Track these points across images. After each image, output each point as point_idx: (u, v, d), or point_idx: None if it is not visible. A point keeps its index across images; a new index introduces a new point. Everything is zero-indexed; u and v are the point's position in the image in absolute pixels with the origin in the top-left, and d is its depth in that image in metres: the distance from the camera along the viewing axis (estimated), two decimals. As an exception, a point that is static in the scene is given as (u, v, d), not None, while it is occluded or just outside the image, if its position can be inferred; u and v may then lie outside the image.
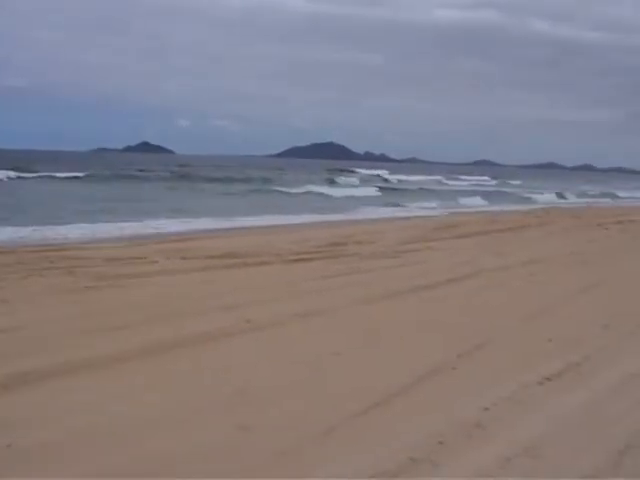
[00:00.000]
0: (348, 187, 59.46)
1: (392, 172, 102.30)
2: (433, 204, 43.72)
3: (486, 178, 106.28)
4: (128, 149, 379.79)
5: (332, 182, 71.16)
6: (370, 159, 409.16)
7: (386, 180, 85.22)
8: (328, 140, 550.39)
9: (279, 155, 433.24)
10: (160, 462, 5.56)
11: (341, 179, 77.53)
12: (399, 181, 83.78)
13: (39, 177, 57.31)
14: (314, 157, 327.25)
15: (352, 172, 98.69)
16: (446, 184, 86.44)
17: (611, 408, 7.18)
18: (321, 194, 49.96)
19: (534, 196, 61.96)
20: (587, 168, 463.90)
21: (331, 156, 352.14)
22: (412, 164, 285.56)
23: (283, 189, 54.02)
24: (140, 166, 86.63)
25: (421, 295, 12.32)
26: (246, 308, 10.74)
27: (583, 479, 5.60)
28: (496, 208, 42.02)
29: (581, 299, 12.60)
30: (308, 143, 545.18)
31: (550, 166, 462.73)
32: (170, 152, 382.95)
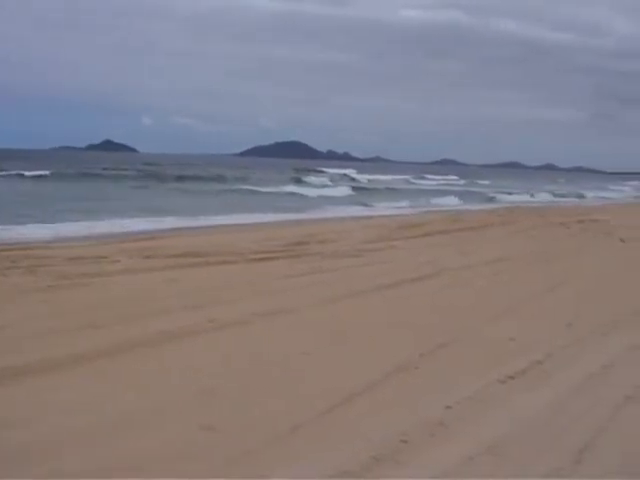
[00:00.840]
0: (322, 187, 58.94)
1: (360, 171, 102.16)
2: (403, 203, 43.84)
3: (455, 177, 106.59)
4: (91, 147, 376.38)
5: (300, 181, 70.72)
6: (333, 158, 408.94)
7: (354, 180, 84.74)
8: (291, 139, 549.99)
9: (242, 154, 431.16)
10: (125, 463, 5.52)
11: (311, 179, 76.79)
12: (369, 181, 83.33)
13: (8, 175, 56.99)
14: (277, 156, 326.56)
15: (320, 172, 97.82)
16: (414, 183, 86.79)
17: (573, 406, 7.23)
18: (295, 194, 49.52)
19: (506, 196, 62.09)
20: (550, 167, 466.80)
21: (294, 155, 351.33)
22: (375, 163, 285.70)
23: (256, 188, 53.56)
24: (105, 164, 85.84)
25: (385, 294, 12.34)
26: (210, 307, 10.71)
27: (545, 478, 5.62)
28: (475, 207, 42.22)
29: (544, 298, 12.68)
30: (272, 142, 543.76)
31: (513, 165, 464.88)
32: (134, 150, 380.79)
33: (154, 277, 13.27)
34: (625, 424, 6.85)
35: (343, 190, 56.04)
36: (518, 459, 5.96)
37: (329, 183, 71.55)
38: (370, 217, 30.96)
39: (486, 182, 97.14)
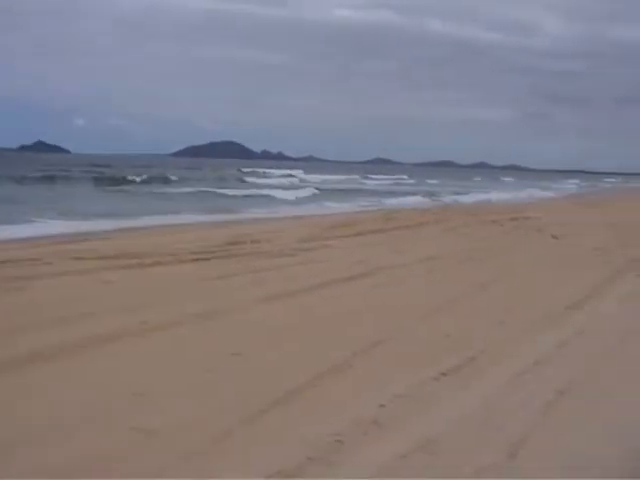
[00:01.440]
0: (288, 189, 58.05)
1: (307, 172, 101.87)
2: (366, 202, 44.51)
3: (404, 177, 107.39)
4: (23, 148, 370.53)
5: (243, 182, 70.34)
6: (267, 157, 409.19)
7: (305, 180, 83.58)
8: (226, 139, 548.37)
9: (177, 154, 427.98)
10: (59, 469, 5.44)
11: (273, 180, 75.62)
12: (322, 181, 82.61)
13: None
14: (212, 156, 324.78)
15: (265, 173, 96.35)
16: (365, 183, 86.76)
17: (506, 402, 7.29)
18: (267, 196, 48.39)
19: (482, 195, 62.82)
20: (482, 166, 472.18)
21: (229, 155, 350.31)
22: (310, 162, 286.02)
23: (219, 191, 52.17)
24: (38, 166, 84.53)
25: (319, 293, 12.33)
26: (142, 309, 10.60)
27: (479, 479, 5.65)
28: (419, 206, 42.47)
29: (478, 295, 12.79)
30: (206, 142, 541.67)
31: (446, 164, 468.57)
32: (67, 152, 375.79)
33: (87, 279, 13.10)
34: (557, 419, 6.92)
35: (308, 191, 55.45)
36: (452, 456, 5.98)
37: (285, 183, 70.96)
38: (305, 216, 30.91)
39: (435, 181, 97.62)
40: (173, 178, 70.15)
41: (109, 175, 70.77)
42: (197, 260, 15.73)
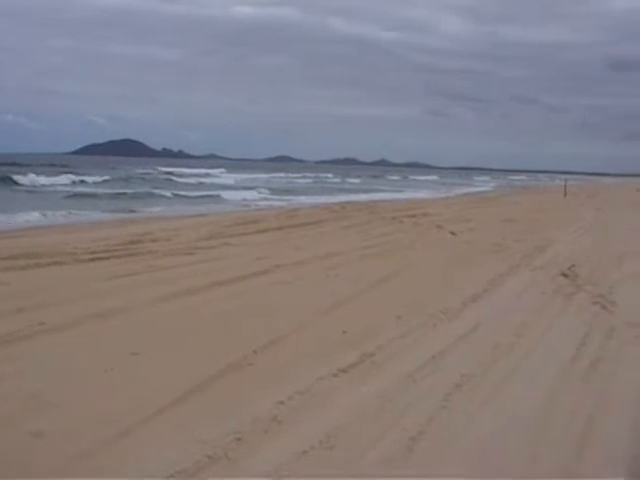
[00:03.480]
0: (238, 190, 56.76)
1: (229, 171, 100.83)
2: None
3: (329, 175, 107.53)
4: None
5: (171, 181, 68.00)
6: (168, 155, 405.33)
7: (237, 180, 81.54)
8: (126, 137, 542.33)
9: (76, 152, 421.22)
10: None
11: (193, 180, 73.56)
12: (248, 179, 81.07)
13: None
14: (112, 154, 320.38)
15: (181, 175, 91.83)
16: (295, 182, 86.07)
17: (404, 397, 7.38)
18: (218, 197, 46.83)
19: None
20: (384, 163, 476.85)
21: (129, 153, 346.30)
22: (213, 160, 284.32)
23: (179, 192, 49.58)
24: None
25: (218, 291, 12.29)
26: (39, 310, 10.39)
27: None
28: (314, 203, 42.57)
29: (376, 291, 12.90)
30: (105, 140, 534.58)
31: (349, 161, 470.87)
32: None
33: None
34: (454, 412, 7.04)
35: (262, 191, 54.71)
36: (351, 450, 6.04)
37: (233, 184, 69.71)
38: (208, 214, 30.76)
39: (357, 180, 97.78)
40: (91, 180, 64.34)
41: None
42: (96, 259, 15.51)
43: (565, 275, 14.98)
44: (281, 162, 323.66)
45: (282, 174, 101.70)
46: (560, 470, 5.86)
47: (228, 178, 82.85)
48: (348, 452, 6.01)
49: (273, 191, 56.69)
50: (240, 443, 6.08)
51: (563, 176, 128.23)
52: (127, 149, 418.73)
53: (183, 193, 49.03)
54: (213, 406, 6.91)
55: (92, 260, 15.40)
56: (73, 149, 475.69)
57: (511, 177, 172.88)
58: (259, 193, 53.22)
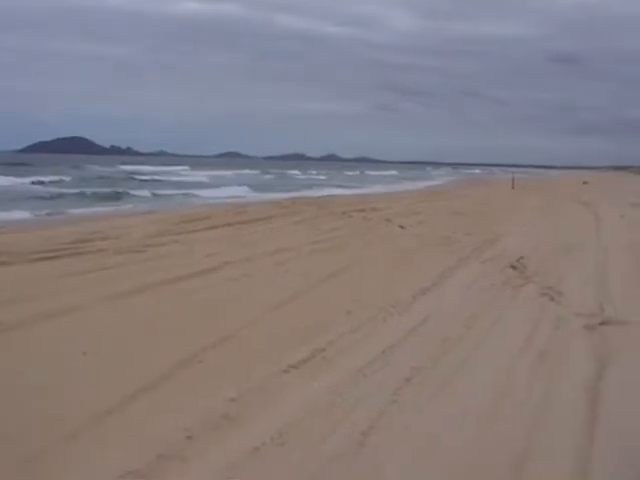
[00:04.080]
0: (219, 187, 55.98)
1: (193, 168, 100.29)
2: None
3: (297, 172, 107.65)
4: None
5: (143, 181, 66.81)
6: (117, 153, 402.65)
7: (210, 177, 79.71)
8: (74, 134, 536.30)
9: (24, 150, 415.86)
10: None
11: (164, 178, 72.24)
12: (221, 177, 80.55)
13: None
14: (61, 152, 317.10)
15: (144, 173, 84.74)
16: (264, 178, 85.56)
17: (355, 391, 7.41)
18: (196, 195, 45.53)
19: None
20: (333, 158, 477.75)
21: (78, 150, 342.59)
22: (162, 157, 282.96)
23: (132, 192, 46.28)
24: None
25: (168, 290, 12.22)
26: (-14, 311, 10.31)
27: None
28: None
29: (326, 286, 12.92)
30: (54, 137, 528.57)
31: (298, 157, 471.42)
32: None
33: None
34: (404, 406, 7.08)
35: (243, 189, 53.90)
36: (302, 446, 6.05)
37: (208, 182, 68.74)
38: (156, 211, 30.55)
39: (323, 177, 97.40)
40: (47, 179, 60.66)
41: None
42: (46, 259, 15.34)
43: (514, 267, 15.12)
44: (230, 158, 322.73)
45: (248, 170, 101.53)
46: (511, 461, 5.92)
47: (197, 176, 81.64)
48: (299, 448, 6.02)
49: (253, 187, 56.33)
50: (191, 441, 6.06)
51: (512, 169, 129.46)
52: (76, 146, 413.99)
53: (162, 192, 47.50)
54: (163, 404, 6.89)
55: (41, 259, 15.21)
56: (21, 147, 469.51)
57: (466, 171, 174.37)
58: (242, 189, 52.97)
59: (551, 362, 8.63)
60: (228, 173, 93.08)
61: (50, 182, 57.28)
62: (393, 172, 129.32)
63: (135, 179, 68.03)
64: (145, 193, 45.85)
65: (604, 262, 16.23)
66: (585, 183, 73.74)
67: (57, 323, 9.90)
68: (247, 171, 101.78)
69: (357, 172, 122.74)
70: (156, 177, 73.08)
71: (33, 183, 55.92)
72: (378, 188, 64.59)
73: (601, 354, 8.94)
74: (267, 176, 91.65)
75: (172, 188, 52.78)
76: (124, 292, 11.80)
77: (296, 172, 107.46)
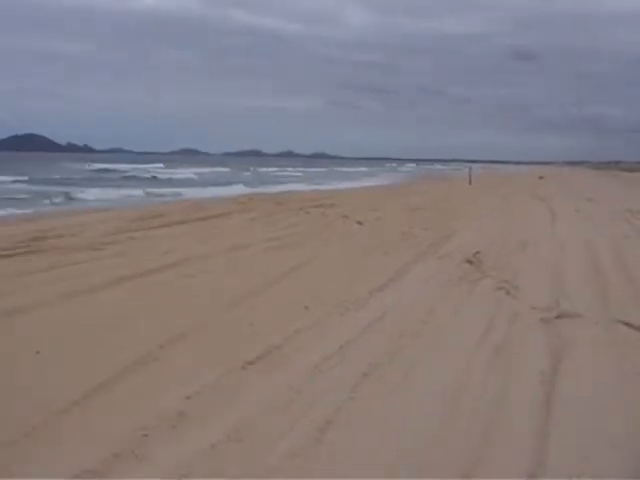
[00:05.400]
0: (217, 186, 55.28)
1: (167, 166, 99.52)
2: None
3: (290, 169, 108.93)
4: None
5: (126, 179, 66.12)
6: (74, 150, 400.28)
7: (196, 175, 78.92)
8: (29, 132, 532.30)
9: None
10: None
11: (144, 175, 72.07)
12: (205, 174, 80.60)
13: None
14: (16, 149, 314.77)
15: (115, 171, 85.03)
16: (244, 175, 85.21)
17: (312, 388, 7.40)
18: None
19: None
20: (290, 154, 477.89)
21: (34, 148, 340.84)
22: (117, 154, 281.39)
23: (151, 190, 47.21)
24: None
25: (124, 287, 12.13)
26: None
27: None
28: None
29: (283, 283, 12.89)
30: (7, 135, 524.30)
31: (254, 153, 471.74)
32: None
33: None
34: (362, 402, 7.09)
35: (238, 187, 53.19)
36: (260, 443, 6.05)
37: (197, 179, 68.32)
38: (111, 209, 30.33)
39: (299, 174, 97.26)
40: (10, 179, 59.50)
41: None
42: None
43: (470, 262, 15.20)
44: (187, 155, 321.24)
45: (225, 169, 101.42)
46: (469, 454, 5.94)
47: (183, 173, 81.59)
48: (257, 445, 6.01)
49: (248, 184, 56.39)
50: (147, 439, 6.03)
51: (471, 164, 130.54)
52: (32, 144, 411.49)
53: (157, 191, 46.56)
54: (119, 403, 6.84)
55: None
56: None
57: (428, 167, 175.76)
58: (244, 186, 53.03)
59: (507, 356, 8.68)
60: (205, 170, 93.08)
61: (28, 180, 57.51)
62: (363, 169, 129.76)
63: (135, 178, 68.36)
64: (139, 192, 45.01)
65: (560, 256, 16.37)
66: (541, 178, 74.52)
67: (10, 322, 9.80)
68: (224, 169, 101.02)
69: (315, 169, 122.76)
70: (147, 175, 73.73)
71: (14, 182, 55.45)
72: (337, 184, 64.52)
73: (557, 347, 9.01)
74: (246, 173, 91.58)
75: (169, 186, 53.00)
76: (79, 290, 11.69)
77: (274, 169, 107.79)
